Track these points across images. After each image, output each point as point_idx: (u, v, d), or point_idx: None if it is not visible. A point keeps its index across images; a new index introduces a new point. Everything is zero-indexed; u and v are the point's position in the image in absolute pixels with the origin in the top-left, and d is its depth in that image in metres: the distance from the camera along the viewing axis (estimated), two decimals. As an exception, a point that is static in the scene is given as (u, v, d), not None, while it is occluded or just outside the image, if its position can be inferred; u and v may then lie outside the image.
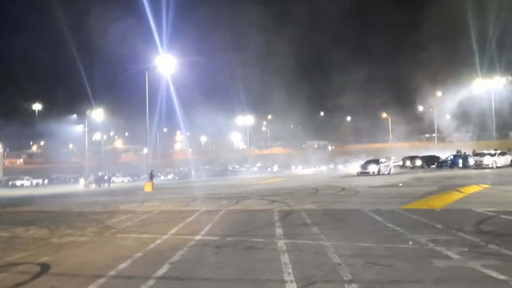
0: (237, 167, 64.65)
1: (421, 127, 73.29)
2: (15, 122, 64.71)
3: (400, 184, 21.39)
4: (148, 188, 30.54)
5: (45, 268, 6.91)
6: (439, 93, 64.71)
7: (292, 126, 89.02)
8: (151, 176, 33.50)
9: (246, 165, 65.95)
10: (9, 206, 21.38)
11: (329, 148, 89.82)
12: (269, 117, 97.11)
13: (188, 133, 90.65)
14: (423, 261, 6.26)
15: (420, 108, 74.55)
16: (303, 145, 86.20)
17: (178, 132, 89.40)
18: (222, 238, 8.81)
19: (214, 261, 6.99)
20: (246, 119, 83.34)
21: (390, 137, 74.72)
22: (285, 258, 6.82)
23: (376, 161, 34.01)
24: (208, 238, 8.98)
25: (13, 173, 64.24)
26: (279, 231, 9.39)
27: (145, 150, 53.31)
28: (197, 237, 9.06)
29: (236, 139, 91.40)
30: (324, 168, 60.39)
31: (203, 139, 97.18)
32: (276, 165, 63.85)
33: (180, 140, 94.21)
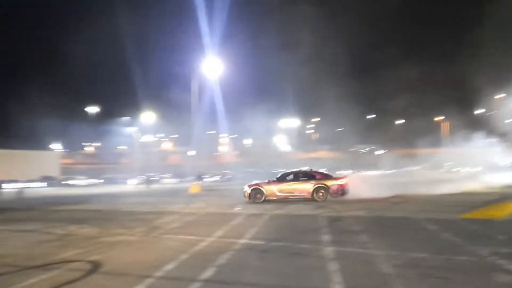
0: (281, 170, 64.40)
1: (482, 131, 69.17)
2: (72, 123, 67.96)
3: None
4: (194, 189, 31.01)
5: (96, 266, 7.10)
6: (502, 95, 60.63)
7: (339, 129, 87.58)
8: (199, 178, 34.10)
9: (291, 169, 65.58)
10: (64, 204, 22.40)
11: (380, 152, 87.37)
12: (316, 119, 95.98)
13: (233, 136, 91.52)
14: (483, 275, 5.85)
15: (481, 111, 70.30)
16: (351, 149, 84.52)
17: (223, 135, 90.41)
18: (267, 243, 8.70)
19: (259, 266, 6.89)
20: (291, 122, 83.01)
21: (446, 141, 71.50)
22: (332, 266, 6.61)
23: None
24: (253, 242, 8.90)
25: (69, 173, 67.62)
26: (325, 237, 9.15)
27: (192, 152, 54.26)
28: (242, 241, 9.01)
29: (281, 142, 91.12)
30: (373, 172, 58.84)
31: (248, 141, 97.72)
32: (323, 169, 62.93)
33: (226, 143, 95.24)
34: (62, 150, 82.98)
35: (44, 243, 9.62)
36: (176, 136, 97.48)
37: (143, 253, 8.30)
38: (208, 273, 6.38)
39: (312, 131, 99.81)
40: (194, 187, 31.64)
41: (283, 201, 18.57)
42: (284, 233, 9.98)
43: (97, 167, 78.64)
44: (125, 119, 75.61)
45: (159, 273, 6.47)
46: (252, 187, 19.30)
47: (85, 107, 72.97)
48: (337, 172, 60.10)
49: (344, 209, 14.67)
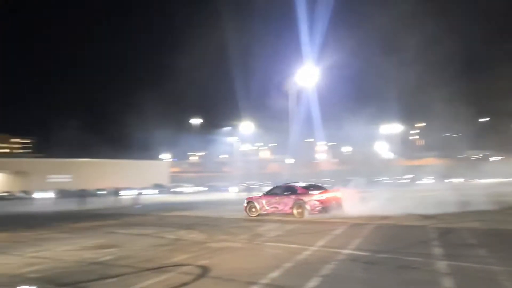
0: (383, 178, 61.77)
1: None
2: (179, 134, 72.93)
3: None
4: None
5: (205, 270, 7.47)
6: None
7: (447, 134, 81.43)
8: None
9: (394, 177, 62.46)
10: (174, 210, 24.01)
11: (495, 158, 79.34)
12: (420, 124, 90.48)
13: (332, 143, 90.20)
14: None
15: None
16: (461, 156, 77.99)
17: (321, 142, 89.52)
18: (373, 254, 8.38)
19: (365, 278, 6.66)
20: (393, 127, 79.26)
21: None
22: (446, 281, 6.13)
23: None
24: (358, 253, 8.64)
25: (176, 181, 72.51)
26: (437, 250, 8.54)
27: (290, 160, 54.76)
28: (346, 251, 8.80)
29: (383, 149, 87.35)
30: (487, 181, 53.64)
31: (347, 149, 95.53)
32: (429, 177, 59.07)
33: (324, 150, 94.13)
34: (171, 160, 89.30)
35: (158, 247, 10.39)
36: (275, 144, 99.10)
37: (248, 259, 8.53)
38: (313, 283, 6.33)
39: (417, 136, 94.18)
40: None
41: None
42: (391, 245, 9.52)
43: (201, 175, 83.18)
44: (226, 129, 78.90)
45: (265, 281, 6.58)
46: (248, 201, 18.63)
47: (190, 119, 77.90)
48: (446, 180, 55.91)
49: (456, 220, 13.56)
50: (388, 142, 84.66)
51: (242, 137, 68.27)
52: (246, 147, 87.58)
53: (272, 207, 17.52)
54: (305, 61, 30.77)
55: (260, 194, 19.15)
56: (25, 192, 55.16)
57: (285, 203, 17.01)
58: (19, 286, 6.43)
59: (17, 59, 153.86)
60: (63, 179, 62.87)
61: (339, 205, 16.71)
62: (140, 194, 38.35)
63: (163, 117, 70.33)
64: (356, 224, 13.54)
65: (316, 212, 16.29)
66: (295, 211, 16.58)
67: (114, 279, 7.13)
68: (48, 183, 59.26)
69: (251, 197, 19.07)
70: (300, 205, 16.54)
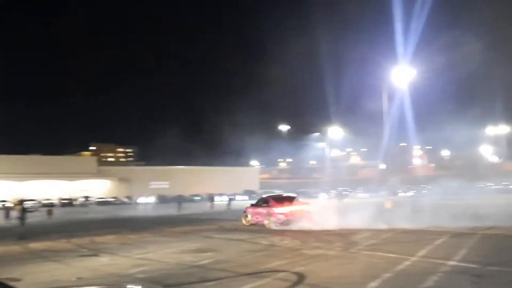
0: (489, 184, 56.53)
1: None
2: (268, 141, 74.09)
3: None
4: (388, 204, 29.79)
5: (301, 277, 7.44)
6: None
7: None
8: (394, 193, 33.04)
9: (503, 182, 56.80)
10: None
11: None
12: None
13: (428, 147, 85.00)
14: None
15: None
16: None
17: (417, 146, 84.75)
18: (482, 267, 7.69)
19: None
20: (498, 129, 72.20)
21: None
22: None
23: None
24: (464, 264, 7.99)
25: (266, 187, 73.56)
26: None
27: (382, 166, 52.57)
28: (451, 263, 8.18)
29: (487, 152, 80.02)
30: None
31: (446, 153, 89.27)
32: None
33: (419, 155, 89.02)
34: (260, 166, 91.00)
35: (253, 252, 10.61)
36: (365, 149, 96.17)
37: (344, 268, 8.33)
38: (416, 296, 5.98)
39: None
40: (388, 202, 30.42)
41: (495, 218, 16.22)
42: (502, 256, 8.68)
43: (290, 181, 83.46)
44: (315, 134, 78.36)
45: (363, 291, 6.38)
46: (244, 210, 19.06)
47: (278, 125, 78.86)
48: None
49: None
50: (493, 145, 77.43)
51: (331, 142, 67.20)
52: (336, 152, 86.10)
53: (255, 218, 18.14)
54: (399, 61, 29.29)
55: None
56: (129, 197, 60.00)
57: (262, 214, 17.63)
58: (128, 285, 6.97)
59: (120, 77, 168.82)
60: (162, 185, 67.35)
61: (306, 218, 16.63)
62: (231, 199, 39.52)
63: (253, 124, 72.08)
64: (459, 234, 12.54)
65: (279, 225, 16.58)
66: (266, 222, 17.10)
67: (213, 283, 7.41)
68: (149, 189, 63.87)
69: (246, 207, 19.43)
70: (269, 216, 16.99)
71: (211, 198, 39.75)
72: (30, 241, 14.79)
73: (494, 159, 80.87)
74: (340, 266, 8.55)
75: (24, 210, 25.08)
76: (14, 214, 24.33)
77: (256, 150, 77.66)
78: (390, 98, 31.24)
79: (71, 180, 61.93)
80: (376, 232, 14.06)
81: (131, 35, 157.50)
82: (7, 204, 31.53)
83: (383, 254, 9.65)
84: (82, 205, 53.46)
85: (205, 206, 38.15)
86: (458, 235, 12.40)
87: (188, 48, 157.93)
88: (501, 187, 54.26)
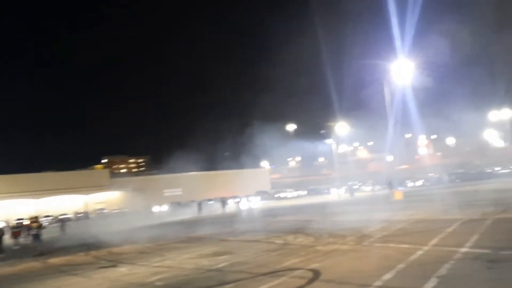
0: (497, 169, 56.18)
1: None
2: (277, 141, 74.32)
3: None
4: (398, 196, 29.86)
5: (316, 274, 7.62)
6: None
7: None
8: (391, 185, 33.54)
9: (510, 166, 56.38)
10: (278, 215, 24.52)
11: None
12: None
13: (434, 136, 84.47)
14: None
15: None
16: None
17: (422, 136, 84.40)
18: (496, 252, 7.81)
19: (490, 278, 6.26)
20: (502, 113, 71.64)
21: None
22: None
23: None
24: (477, 250, 8.12)
25: (277, 187, 73.85)
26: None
27: (390, 158, 52.42)
28: (463, 249, 8.32)
29: (493, 137, 79.50)
30: None
31: (452, 140, 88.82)
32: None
33: (425, 145, 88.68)
34: (270, 167, 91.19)
35: (268, 252, 10.79)
36: (371, 143, 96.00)
37: (358, 262, 8.49)
38: (430, 285, 6.13)
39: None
40: (398, 193, 30.49)
41: (504, 202, 16.30)
42: (515, 241, 8.77)
43: (301, 179, 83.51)
44: (322, 132, 78.43)
45: (379, 283, 6.52)
46: None
47: (286, 125, 79.09)
48: None
49: None
50: (498, 130, 76.97)
51: (338, 138, 67.25)
52: (343, 148, 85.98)
53: None
54: (398, 54, 29.46)
55: None
56: (143, 206, 60.51)
57: None
58: None
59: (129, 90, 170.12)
60: (176, 192, 68.10)
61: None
62: (241, 201, 39.97)
63: (261, 125, 72.44)
64: (471, 220, 12.62)
65: None
66: None
67: (231, 285, 7.60)
68: (163, 197, 64.58)
69: None
70: None
71: (223, 201, 40.19)
72: (49, 257, 15.11)
73: (500, 143, 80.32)
74: (355, 260, 8.71)
75: (40, 227, 25.53)
76: (25, 232, 24.94)
77: (266, 151, 77.91)
78: (393, 91, 31.38)
79: (85, 194, 62.82)
80: (388, 223, 14.18)
81: (139, 45, 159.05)
82: (25, 222, 32.11)
83: (396, 245, 9.79)
84: (97, 217, 54.04)
85: (218, 210, 38.40)
86: (469, 221, 12.50)
87: (193, 55, 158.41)
88: (509, 171, 53.92)
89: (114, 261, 12.11)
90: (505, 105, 70.37)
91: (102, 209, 58.16)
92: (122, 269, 10.64)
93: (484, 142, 78.87)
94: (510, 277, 6.17)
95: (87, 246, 17.26)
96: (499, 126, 76.09)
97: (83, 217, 53.40)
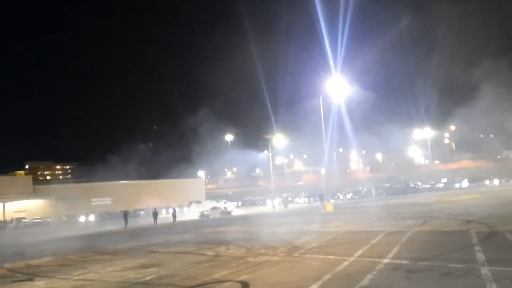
0: (419, 184, 60.23)
1: None
2: (213, 152, 74.00)
3: None
4: (329, 208, 30.90)
5: (245, 286, 7.57)
6: None
7: (482, 136, 78.56)
8: (322, 197, 35.12)
9: (430, 182, 60.76)
10: (211, 226, 24.28)
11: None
12: (452, 127, 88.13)
13: (364, 151, 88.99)
14: None
15: None
16: (498, 156, 74.65)
17: (353, 151, 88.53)
18: (414, 262, 8.25)
19: (408, 287, 6.57)
20: (424, 132, 77.38)
21: None
22: (493, 288, 5.98)
23: None
24: (398, 261, 8.52)
25: (213, 197, 73.25)
26: (480, 255, 8.31)
27: (323, 171, 54.42)
28: (385, 260, 8.69)
29: (416, 154, 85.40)
30: None
31: (380, 156, 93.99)
32: (466, 180, 57.13)
33: (356, 159, 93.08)
34: (206, 177, 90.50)
35: (198, 264, 10.57)
36: (305, 156, 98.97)
37: (287, 273, 8.56)
38: (353, 294, 6.32)
39: (448, 140, 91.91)
40: (329, 205, 31.54)
41: (425, 216, 17.42)
42: (431, 251, 9.32)
43: (237, 190, 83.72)
44: (259, 143, 79.45)
45: (304, 293, 6.61)
46: None
47: (224, 136, 79.26)
48: (482, 183, 53.95)
49: (499, 223, 13.10)
50: (421, 147, 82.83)
51: (275, 150, 68.54)
52: (280, 160, 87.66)
53: None
54: (332, 72, 30.99)
55: None
56: (69, 216, 57.15)
57: None
58: None
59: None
60: (105, 201, 65.00)
61: None
62: (175, 211, 38.94)
63: (199, 135, 71.82)
64: (393, 232, 13.30)
65: None
66: None
67: (158, 298, 7.34)
68: (91, 206, 61.38)
69: None
70: None
71: (154, 212, 37.71)
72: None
73: (421, 160, 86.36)
74: (283, 271, 8.78)
75: None
76: None
77: (203, 160, 77.29)
78: (328, 106, 32.71)
79: (4, 202, 58.03)
80: (319, 235, 14.55)
81: (67, 47, 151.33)
82: None
83: (324, 256, 10.04)
84: (16, 227, 50.18)
85: (149, 221, 37.24)
86: (392, 233, 13.14)
87: (129, 62, 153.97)
88: (429, 186, 58.03)
89: (31, 274, 11.24)
90: (427, 124, 75.89)
91: (23, 218, 54.00)
92: (39, 283, 9.89)
93: (409, 158, 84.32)
94: (425, 287, 6.51)
95: (1, 258, 15.91)
96: (421, 144, 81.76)
97: (1, 226, 49.28)
